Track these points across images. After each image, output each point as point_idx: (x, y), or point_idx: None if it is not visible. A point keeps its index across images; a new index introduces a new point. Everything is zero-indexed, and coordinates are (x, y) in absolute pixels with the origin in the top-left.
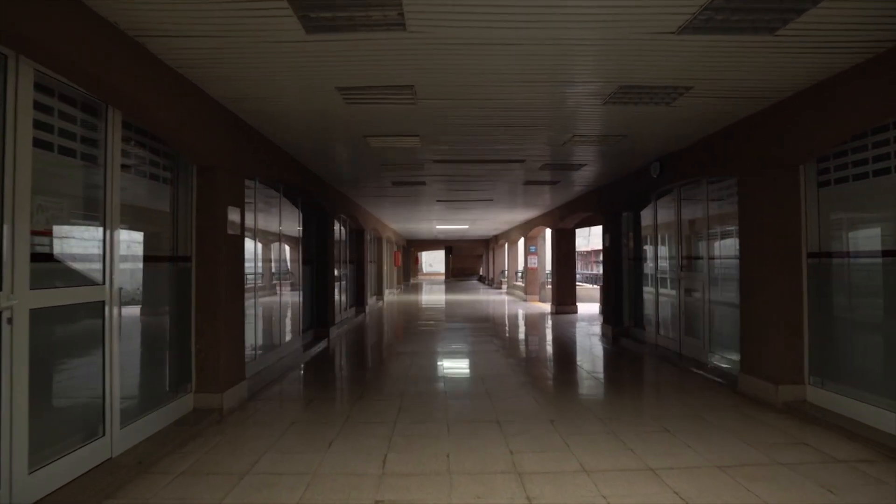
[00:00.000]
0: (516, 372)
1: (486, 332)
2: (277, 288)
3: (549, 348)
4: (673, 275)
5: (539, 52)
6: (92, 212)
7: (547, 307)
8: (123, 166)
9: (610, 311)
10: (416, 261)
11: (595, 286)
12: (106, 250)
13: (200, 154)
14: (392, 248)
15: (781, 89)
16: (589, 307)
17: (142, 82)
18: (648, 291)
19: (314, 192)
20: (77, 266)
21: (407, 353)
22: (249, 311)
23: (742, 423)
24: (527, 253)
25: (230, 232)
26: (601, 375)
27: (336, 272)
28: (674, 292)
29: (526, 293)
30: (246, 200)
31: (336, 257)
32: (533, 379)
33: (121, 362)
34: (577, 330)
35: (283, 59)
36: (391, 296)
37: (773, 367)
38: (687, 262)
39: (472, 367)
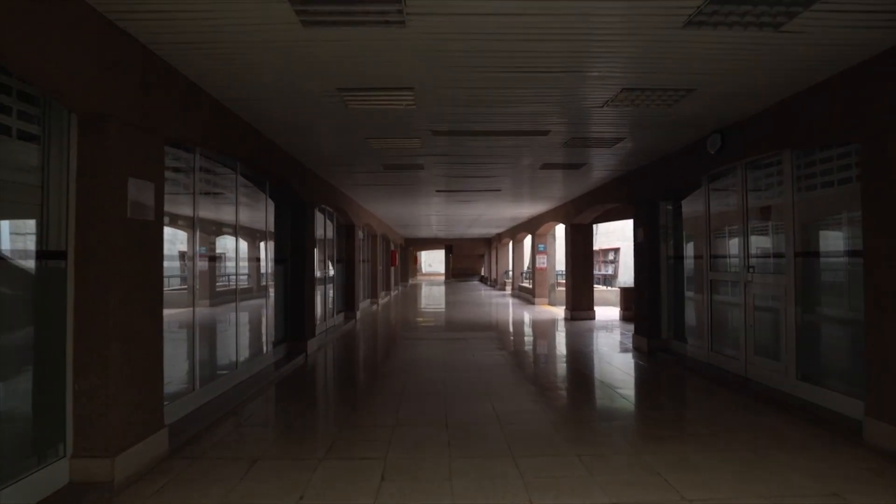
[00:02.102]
0: (541, 405)
1: (495, 343)
2: (235, 293)
3: (576, 368)
4: (734, 277)
5: None
6: None
7: (558, 311)
8: None
9: (644, 321)
10: (415, 260)
11: (609, 288)
12: None
13: (75, 94)
14: (388, 247)
15: None
16: (604, 311)
17: None
18: (694, 298)
19: (286, 175)
20: None
21: (400, 373)
22: (181, 329)
23: None
24: (535, 252)
25: (133, 216)
26: (655, 412)
27: (320, 273)
28: (736, 299)
29: (534, 296)
30: (181, 179)
31: (320, 256)
32: (565, 417)
33: None
34: (602, 341)
35: None
36: (387, 298)
37: None
38: (757, 262)
39: (483, 396)
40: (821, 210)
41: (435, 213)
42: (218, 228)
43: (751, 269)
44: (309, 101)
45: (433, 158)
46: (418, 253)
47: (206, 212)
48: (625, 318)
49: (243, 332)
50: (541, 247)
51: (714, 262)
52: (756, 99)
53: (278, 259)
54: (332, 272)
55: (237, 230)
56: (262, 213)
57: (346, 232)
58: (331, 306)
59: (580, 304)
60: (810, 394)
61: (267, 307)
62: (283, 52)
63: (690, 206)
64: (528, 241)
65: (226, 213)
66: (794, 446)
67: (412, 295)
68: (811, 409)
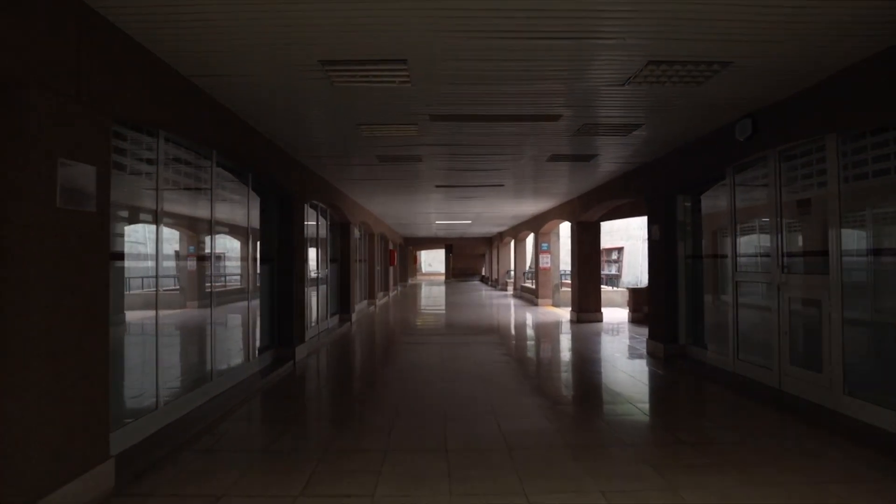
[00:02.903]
0: (554, 423)
1: (499, 348)
2: (211, 296)
3: (588, 377)
4: (765, 278)
5: None
6: None
7: (563, 313)
8: None
9: (660, 325)
10: (415, 260)
11: (614, 288)
12: None
13: None
14: (387, 246)
15: None
16: (610, 313)
17: None
18: (717, 300)
19: (270, 167)
20: None
21: (395, 383)
22: (143, 337)
23: None
24: (538, 251)
25: (65, 205)
26: (683, 432)
27: (312, 273)
28: (767, 302)
29: (537, 296)
30: (143, 167)
31: (313, 255)
32: (583, 439)
33: None
34: (613, 346)
35: None
36: (385, 299)
37: None
38: (792, 261)
39: (487, 413)
40: (873, 202)
41: (435, 211)
42: (191, 224)
43: (785, 270)
44: (289, 77)
45: (432, 149)
46: (418, 252)
47: (177, 205)
48: (634, 320)
49: (222, 338)
50: (544, 246)
51: (740, 262)
52: (799, 75)
53: (264, 258)
54: (326, 272)
55: (213, 226)
56: (243, 208)
57: (340, 230)
58: (324, 308)
59: (587, 306)
60: (860, 412)
61: (249, 310)
62: (253, 12)
63: (711, 201)
64: (530, 239)
65: (200, 208)
66: (856, 479)
67: (411, 295)
68: (862, 429)
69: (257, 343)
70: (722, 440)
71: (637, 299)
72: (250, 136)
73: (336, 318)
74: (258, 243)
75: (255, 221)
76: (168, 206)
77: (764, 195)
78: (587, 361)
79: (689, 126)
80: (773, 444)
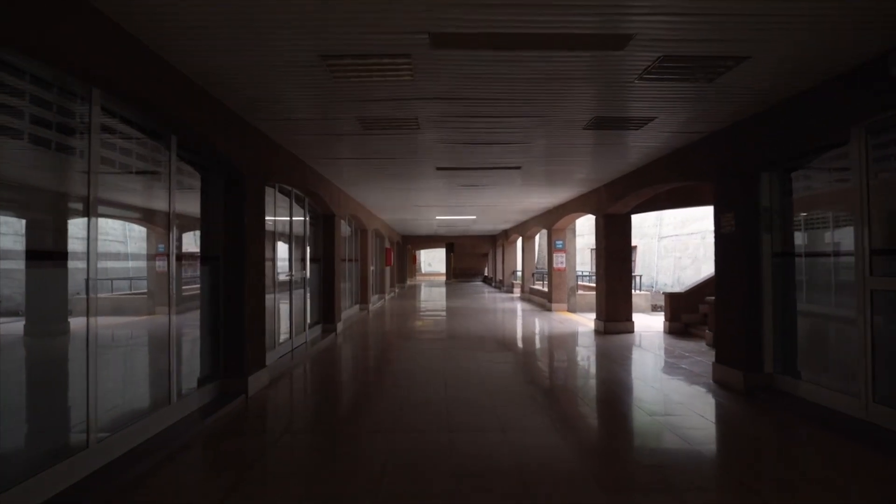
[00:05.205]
0: None
1: (519, 374)
2: (86, 309)
3: (650, 423)
4: None
5: None
6: None
7: (583, 321)
8: None
9: (736, 346)
10: (414, 260)
11: (639, 292)
12: None
13: None
14: (383, 245)
15: None
16: (635, 319)
17: None
18: (832, 316)
19: (205, 128)
20: None
21: (382, 436)
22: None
23: None
24: (551, 249)
25: None
26: None
27: (284, 275)
28: None
29: (551, 300)
30: None
31: (285, 253)
32: None
33: None
34: (663, 370)
35: None
36: (381, 303)
37: None
38: None
39: None
40: None
41: (436, 204)
42: (48, 203)
43: None
44: None
45: (432, 107)
46: (417, 252)
47: (10, 170)
48: (671, 330)
49: (123, 371)
50: (558, 243)
51: (877, 261)
52: None
53: (205, 256)
54: (303, 274)
55: (90, 206)
56: (162, 185)
57: (323, 223)
58: (301, 318)
59: (616, 314)
60: None
61: (171, 328)
62: None
63: (811, 181)
64: (538, 237)
65: (71, 177)
66: None
67: (410, 298)
68: None
69: (190, 373)
70: None
71: (675, 306)
72: (164, 75)
73: (318, 329)
74: (184, 235)
75: (192, 205)
76: None
77: None
78: (636, 392)
79: (804, 65)
80: None
